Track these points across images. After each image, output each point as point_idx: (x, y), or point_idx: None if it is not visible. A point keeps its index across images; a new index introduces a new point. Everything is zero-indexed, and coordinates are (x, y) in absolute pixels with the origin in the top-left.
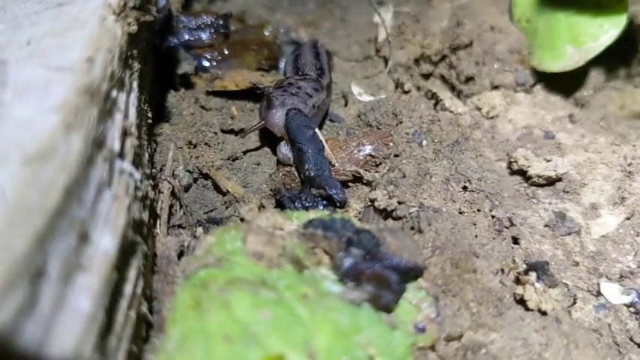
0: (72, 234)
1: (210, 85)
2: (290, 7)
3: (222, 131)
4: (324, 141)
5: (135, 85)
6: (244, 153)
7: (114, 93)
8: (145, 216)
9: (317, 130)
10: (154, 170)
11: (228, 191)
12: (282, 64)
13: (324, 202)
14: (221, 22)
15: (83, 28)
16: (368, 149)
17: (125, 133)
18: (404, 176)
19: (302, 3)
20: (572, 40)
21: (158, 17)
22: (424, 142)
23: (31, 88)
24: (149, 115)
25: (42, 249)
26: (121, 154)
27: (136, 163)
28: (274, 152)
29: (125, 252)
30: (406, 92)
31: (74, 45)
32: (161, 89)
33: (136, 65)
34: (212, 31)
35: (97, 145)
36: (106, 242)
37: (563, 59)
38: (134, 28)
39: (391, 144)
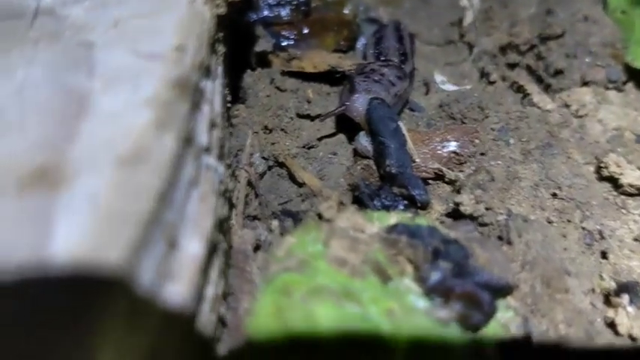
0: (163, 241)
1: (287, 65)
2: None
3: (298, 116)
4: (407, 135)
5: (220, 70)
6: (320, 139)
7: (202, 83)
8: (227, 211)
9: (400, 123)
10: (230, 157)
11: (304, 183)
12: (359, 44)
13: (405, 201)
14: (302, 0)
15: (172, 11)
16: (452, 146)
17: (212, 125)
18: (492, 179)
19: None
20: None
21: None
22: (511, 141)
23: (121, 77)
24: (228, 98)
25: (136, 261)
26: (208, 149)
27: (220, 155)
28: (350, 140)
29: (210, 253)
30: (492, 83)
31: (164, 29)
32: (237, 68)
33: (222, 49)
34: (292, 8)
35: (187, 142)
36: (194, 247)
37: None
38: (223, 10)
39: (477, 141)
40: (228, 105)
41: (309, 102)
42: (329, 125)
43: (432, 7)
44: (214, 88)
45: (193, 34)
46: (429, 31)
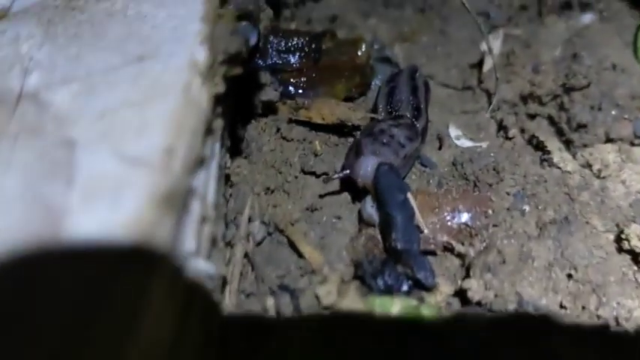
0: None
1: (295, 113)
2: (386, 12)
3: (303, 172)
4: (415, 207)
5: (217, 148)
6: (322, 197)
7: (193, 181)
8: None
9: (409, 194)
10: (227, 220)
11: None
12: (374, 84)
13: (410, 281)
14: (313, 46)
15: (165, 100)
16: (464, 217)
17: (203, 220)
18: (504, 262)
19: (399, 7)
20: None
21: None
22: (526, 209)
23: (101, 188)
24: (227, 161)
25: None
26: (197, 251)
27: (211, 252)
28: (356, 201)
29: None
30: (509, 139)
31: (153, 124)
32: (242, 118)
33: (220, 123)
34: (302, 54)
35: (168, 256)
36: None
37: None
38: (221, 88)
39: (490, 211)
40: (227, 166)
41: (315, 155)
42: (334, 183)
43: (451, 43)
44: (208, 176)
45: (186, 130)
46: (446, 71)
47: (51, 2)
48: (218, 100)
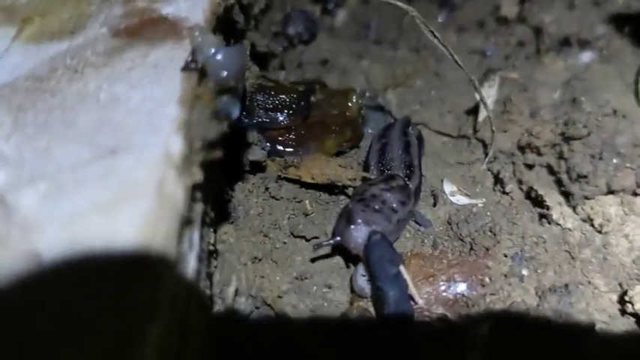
0: None
1: (284, 171)
2: (379, 52)
3: (293, 235)
4: (409, 279)
5: (195, 238)
6: (313, 261)
7: (169, 282)
8: None
9: (402, 267)
10: (213, 294)
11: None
12: (366, 133)
13: None
14: (302, 103)
15: (136, 201)
16: (460, 287)
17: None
18: (500, 343)
19: (392, 47)
20: None
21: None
22: (525, 274)
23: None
24: (211, 240)
25: None
26: None
27: None
28: (348, 263)
29: None
30: (507, 193)
31: (123, 233)
32: (228, 179)
33: (200, 208)
34: (290, 112)
35: None
36: None
37: None
38: (199, 177)
39: (487, 280)
40: (212, 243)
41: (306, 215)
42: (326, 248)
43: (446, 86)
44: (186, 269)
45: (160, 235)
46: (441, 118)
47: (21, 84)
48: (196, 187)
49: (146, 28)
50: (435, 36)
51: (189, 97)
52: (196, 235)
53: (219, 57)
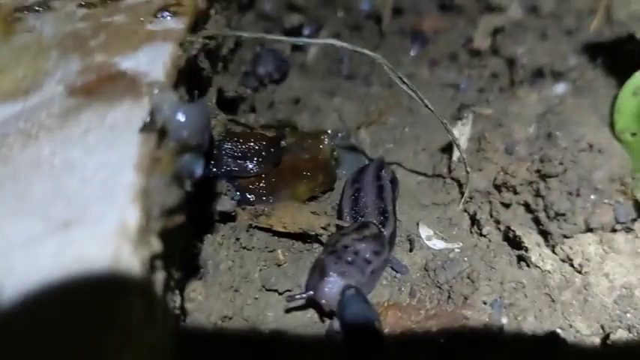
0: None
1: (255, 220)
2: (351, 88)
3: (265, 289)
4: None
5: (158, 312)
6: (288, 312)
7: None
8: None
9: (377, 324)
10: None
11: None
12: (340, 174)
13: None
14: (272, 150)
15: (89, 280)
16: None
17: None
18: None
19: (365, 83)
20: None
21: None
22: (505, 321)
23: None
24: (177, 302)
25: None
26: None
27: None
28: (322, 318)
29: None
30: (484, 235)
31: (74, 322)
32: (197, 232)
33: (161, 276)
34: (260, 159)
35: None
36: None
37: None
38: (157, 247)
39: (465, 331)
40: (177, 302)
41: (278, 265)
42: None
43: (420, 123)
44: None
45: (113, 315)
46: (415, 156)
47: None
48: (155, 257)
49: (104, 85)
50: (403, 81)
51: (147, 162)
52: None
53: (179, 116)
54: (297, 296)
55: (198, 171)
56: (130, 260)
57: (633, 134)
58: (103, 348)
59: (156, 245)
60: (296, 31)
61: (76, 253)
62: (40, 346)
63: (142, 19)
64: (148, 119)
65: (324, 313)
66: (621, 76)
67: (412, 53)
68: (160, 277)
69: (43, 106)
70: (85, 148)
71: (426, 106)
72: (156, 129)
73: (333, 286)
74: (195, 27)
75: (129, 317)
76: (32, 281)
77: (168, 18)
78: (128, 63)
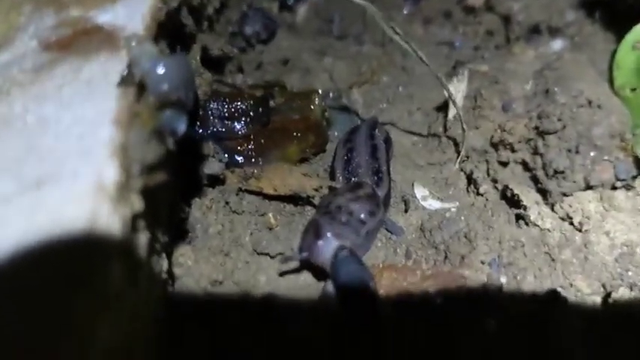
0: None
1: (245, 183)
2: (342, 48)
3: (256, 253)
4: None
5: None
6: (281, 275)
7: None
8: None
9: (371, 285)
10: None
11: None
12: (332, 136)
13: None
14: (260, 110)
15: (65, 241)
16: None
17: None
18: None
19: (357, 42)
20: None
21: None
22: (503, 281)
23: None
24: (164, 266)
25: None
26: None
27: None
28: (317, 276)
29: None
30: (481, 194)
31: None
32: (184, 196)
33: (144, 237)
34: (248, 119)
35: None
36: None
37: None
38: (139, 206)
39: (463, 289)
40: (164, 266)
41: (270, 229)
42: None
43: (414, 82)
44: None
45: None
46: (409, 116)
47: None
48: (137, 217)
49: (79, 40)
50: (396, 32)
51: (126, 117)
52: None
53: (158, 69)
54: (292, 257)
55: (181, 128)
56: (109, 220)
57: (633, 89)
58: (74, 313)
59: (137, 204)
60: None
61: (49, 214)
62: (9, 311)
63: None
64: (126, 72)
65: (319, 275)
66: (620, 31)
67: (405, 11)
68: (143, 238)
69: (15, 62)
70: (60, 103)
71: (420, 58)
72: (134, 82)
73: (328, 246)
74: None
75: (106, 281)
76: (3, 244)
77: None
78: (105, 16)
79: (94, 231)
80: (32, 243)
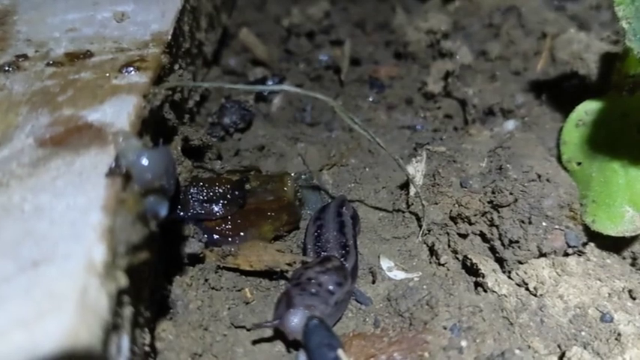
0: None
1: (222, 261)
2: (314, 134)
3: (233, 326)
4: None
5: (124, 342)
6: (255, 344)
7: None
8: None
9: (340, 351)
10: None
11: None
12: (305, 215)
13: None
14: (236, 193)
15: (59, 313)
16: None
17: None
18: None
19: (327, 129)
20: (631, 201)
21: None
22: (463, 344)
23: None
24: (146, 339)
25: None
26: None
27: None
28: (290, 348)
29: None
30: (442, 264)
31: (43, 347)
32: (165, 273)
33: (128, 311)
34: (225, 202)
35: None
36: None
37: (622, 222)
38: (124, 282)
39: (426, 355)
40: (146, 344)
41: (246, 303)
42: (267, 332)
43: (380, 163)
44: None
45: (81, 344)
46: (376, 194)
47: None
48: (122, 292)
49: (72, 136)
50: (355, 122)
51: (113, 203)
52: (125, 340)
53: (142, 161)
54: (264, 324)
55: (163, 212)
56: (97, 296)
57: (579, 163)
58: None
59: (122, 280)
60: (260, 84)
61: (45, 289)
62: None
63: (107, 74)
64: (113, 164)
65: (290, 344)
66: (565, 111)
67: (370, 99)
68: (127, 312)
69: (13, 157)
70: (54, 192)
71: (378, 143)
72: (121, 173)
73: (297, 317)
74: (158, 81)
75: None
76: (3, 320)
77: (133, 73)
78: (95, 115)
79: (85, 304)
80: (29, 319)
